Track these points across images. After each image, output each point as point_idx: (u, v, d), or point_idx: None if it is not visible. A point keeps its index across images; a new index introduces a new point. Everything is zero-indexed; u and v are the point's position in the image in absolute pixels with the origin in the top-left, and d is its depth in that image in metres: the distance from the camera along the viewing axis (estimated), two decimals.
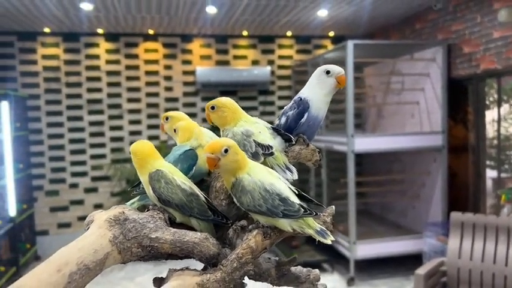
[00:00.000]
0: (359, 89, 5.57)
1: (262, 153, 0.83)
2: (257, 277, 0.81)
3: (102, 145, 5.72)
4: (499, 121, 4.15)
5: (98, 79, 5.67)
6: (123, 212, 0.75)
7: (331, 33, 6.05)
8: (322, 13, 4.86)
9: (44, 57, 5.53)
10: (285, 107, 0.95)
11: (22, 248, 4.89)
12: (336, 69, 0.91)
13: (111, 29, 5.43)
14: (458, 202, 4.45)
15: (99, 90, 5.68)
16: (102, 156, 5.71)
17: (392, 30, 5.59)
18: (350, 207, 4.35)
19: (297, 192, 0.78)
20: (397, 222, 5.33)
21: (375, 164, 5.84)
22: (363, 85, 5.90)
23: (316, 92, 0.92)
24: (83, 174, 5.69)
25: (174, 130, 0.96)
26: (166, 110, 5.81)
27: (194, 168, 0.86)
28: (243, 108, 0.93)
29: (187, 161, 0.85)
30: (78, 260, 0.66)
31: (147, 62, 5.79)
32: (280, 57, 6.15)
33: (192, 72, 5.88)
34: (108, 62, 5.69)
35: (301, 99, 0.92)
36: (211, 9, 4.59)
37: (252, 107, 6.04)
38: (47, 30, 5.37)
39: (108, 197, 5.73)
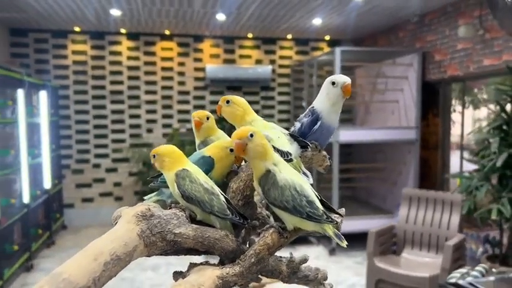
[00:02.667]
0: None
1: (283, 159, 0.85)
2: (269, 274, 0.85)
3: (122, 131, 6.52)
4: (462, 121, 4.86)
5: (120, 73, 6.46)
6: (149, 209, 0.79)
7: (327, 37, 6.77)
8: (317, 21, 5.58)
9: (74, 52, 6.32)
10: (301, 115, 0.98)
11: (53, 217, 5.72)
12: (340, 79, 0.91)
13: (133, 29, 6.21)
14: (428, 186, 5.18)
15: (120, 82, 6.47)
16: (122, 140, 6.52)
17: (380, 36, 6.30)
18: (333, 191, 5.11)
19: (319, 199, 0.81)
20: (379, 206, 6.08)
21: (362, 154, 6.58)
22: (353, 85, 6.61)
23: (325, 103, 0.94)
24: (105, 156, 6.50)
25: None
26: (179, 102, 6.60)
27: (210, 174, 0.89)
28: (247, 101, 0.98)
29: (204, 166, 0.89)
30: (111, 251, 0.70)
31: (163, 59, 6.56)
32: (281, 57, 6.89)
33: (203, 69, 6.64)
34: (129, 58, 6.47)
35: (313, 108, 0.94)
36: (220, 17, 5.34)
37: (254, 101, 6.80)
38: (77, 29, 6.16)
39: (126, 176, 6.55)
